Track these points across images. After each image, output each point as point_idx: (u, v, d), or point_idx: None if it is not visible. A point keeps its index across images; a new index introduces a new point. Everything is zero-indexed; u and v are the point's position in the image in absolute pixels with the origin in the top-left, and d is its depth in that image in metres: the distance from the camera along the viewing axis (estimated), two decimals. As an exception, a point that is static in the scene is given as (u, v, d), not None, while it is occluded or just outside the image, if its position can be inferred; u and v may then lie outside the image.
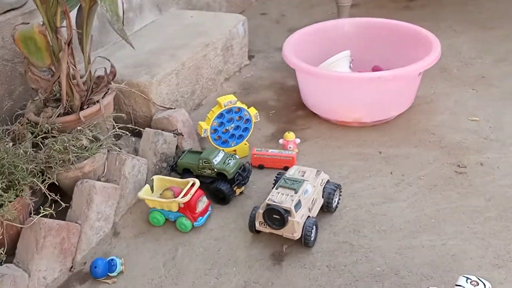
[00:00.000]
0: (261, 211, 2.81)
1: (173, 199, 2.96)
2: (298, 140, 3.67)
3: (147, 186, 3.14)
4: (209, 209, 3.13)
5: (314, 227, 2.83)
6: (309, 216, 2.84)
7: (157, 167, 3.40)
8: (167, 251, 2.94)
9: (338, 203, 3.10)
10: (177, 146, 3.60)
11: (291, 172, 3.10)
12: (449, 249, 2.75)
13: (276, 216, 2.76)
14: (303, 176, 3.03)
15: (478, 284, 2.14)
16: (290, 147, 3.65)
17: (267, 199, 2.82)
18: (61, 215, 2.92)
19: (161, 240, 3.03)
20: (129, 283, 2.76)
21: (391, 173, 3.39)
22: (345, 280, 2.63)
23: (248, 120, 3.60)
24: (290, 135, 3.64)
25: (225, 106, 3.44)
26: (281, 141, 3.67)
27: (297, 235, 2.79)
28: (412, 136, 3.74)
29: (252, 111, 3.59)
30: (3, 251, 2.62)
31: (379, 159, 3.54)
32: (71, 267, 2.85)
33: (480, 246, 2.74)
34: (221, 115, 3.47)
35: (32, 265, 2.61)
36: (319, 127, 3.97)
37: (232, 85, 4.69)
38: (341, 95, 3.77)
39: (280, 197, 2.81)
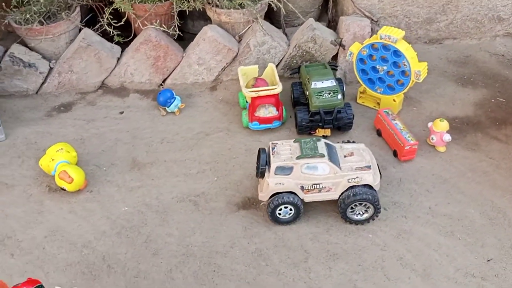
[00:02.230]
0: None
1: (242, 87, 2.77)
2: (448, 137, 2.58)
3: (256, 66, 2.98)
4: (274, 123, 2.78)
5: (288, 207, 2.22)
6: (294, 193, 2.22)
7: (294, 61, 3.09)
8: (214, 128, 2.89)
9: (362, 219, 2.25)
10: (335, 56, 3.11)
11: (346, 146, 2.35)
12: None
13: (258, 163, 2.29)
14: (345, 157, 2.27)
15: None
16: (432, 139, 2.63)
17: (275, 141, 2.32)
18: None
19: (227, 117, 2.96)
20: (169, 123, 2.93)
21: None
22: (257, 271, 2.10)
23: (407, 74, 2.70)
24: (442, 125, 2.59)
25: (381, 39, 2.67)
26: (429, 124, 2.67)
27: (262, 196, 2.28)
28: None
29: (416, 66, 2.65)
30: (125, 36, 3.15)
31: None
32: (160, 85, 3.19)
33: None
34: (375, 48, 2.73)
35: (125, 58, 3.08)
36: (516, 151, 2.63)
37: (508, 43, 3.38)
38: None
39: (283, 149, 2.26)
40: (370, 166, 2.23)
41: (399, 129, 2.59)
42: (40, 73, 3.02)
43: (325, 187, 2.22)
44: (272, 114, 2.75)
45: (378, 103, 2.91)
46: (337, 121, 2.66)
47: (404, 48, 2.65)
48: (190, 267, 2.13)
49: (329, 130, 2.71)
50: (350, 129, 2.75)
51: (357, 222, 2.27)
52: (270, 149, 2.28)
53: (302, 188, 2.22)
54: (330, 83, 2.69)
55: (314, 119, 2.65)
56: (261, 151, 2.28)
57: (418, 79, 2.67)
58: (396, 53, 2.68)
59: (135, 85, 3.18)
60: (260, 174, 2.25)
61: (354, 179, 2.20)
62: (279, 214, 2.25)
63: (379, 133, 2.74)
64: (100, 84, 3.16)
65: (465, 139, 2.71)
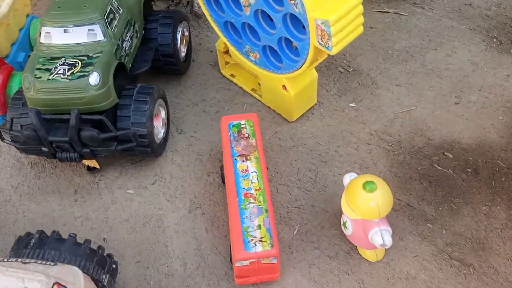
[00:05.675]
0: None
1: None
2: (382, 241, 0.84)
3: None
4: None
5: None
6: None
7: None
8: None
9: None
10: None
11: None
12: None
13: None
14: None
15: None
16: (345, 226, 0.89)
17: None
18: None
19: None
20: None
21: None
22: None
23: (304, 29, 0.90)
24: (367, 198, 0.83)
25: None
26: (346, 181, 0.91)
27: None
28: None
29: (321, 8, 0.82)
30: None
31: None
32: None
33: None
34: None
35: None
36: None
37: None
38: None
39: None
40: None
41: (240, 198, 0.86)
42: None
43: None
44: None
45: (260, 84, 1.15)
46: (85, 147, 0.97)
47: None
48: None
49: (94, 160, 1.04)
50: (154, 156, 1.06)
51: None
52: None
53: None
54: (84, 35, 0.96)
55: (25, 134, 0.97)
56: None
57: (326, 45, 0.85)
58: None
59: None
60: None
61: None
62: None
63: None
64: None
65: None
